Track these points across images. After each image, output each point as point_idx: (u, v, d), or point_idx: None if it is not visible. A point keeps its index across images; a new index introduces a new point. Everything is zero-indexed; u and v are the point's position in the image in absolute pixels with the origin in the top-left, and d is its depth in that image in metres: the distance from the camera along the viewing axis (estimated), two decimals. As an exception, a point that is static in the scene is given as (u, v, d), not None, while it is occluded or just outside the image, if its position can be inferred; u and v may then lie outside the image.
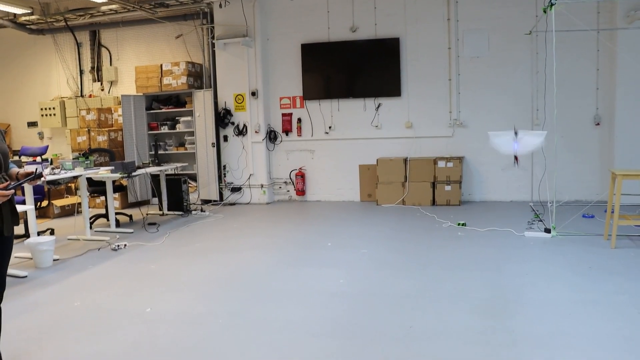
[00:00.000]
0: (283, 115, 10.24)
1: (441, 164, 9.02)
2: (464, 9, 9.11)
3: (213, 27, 10.24)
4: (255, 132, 10.11)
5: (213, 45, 10.27)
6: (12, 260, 6.35)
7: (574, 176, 8.84)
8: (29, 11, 10.60)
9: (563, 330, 3.85)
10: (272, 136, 10.27)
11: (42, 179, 3.41)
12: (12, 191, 3.22)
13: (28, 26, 11.35)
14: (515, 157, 8.04)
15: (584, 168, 8.87)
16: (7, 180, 3.33)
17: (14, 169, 3.49)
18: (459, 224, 7.46)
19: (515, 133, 6.93)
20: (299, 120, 10.15)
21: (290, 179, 10.32)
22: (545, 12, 6.73)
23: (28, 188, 6.65)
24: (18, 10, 10.49)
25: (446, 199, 9.02)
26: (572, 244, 6.22)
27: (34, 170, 3.39)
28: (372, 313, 4.36)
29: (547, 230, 6.68)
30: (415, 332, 3.93)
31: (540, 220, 7.41)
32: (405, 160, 9.27)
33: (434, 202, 9.09)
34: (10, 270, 5.92)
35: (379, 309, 4.45)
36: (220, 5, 9.92)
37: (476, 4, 9.05)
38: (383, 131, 9.73)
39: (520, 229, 6.99)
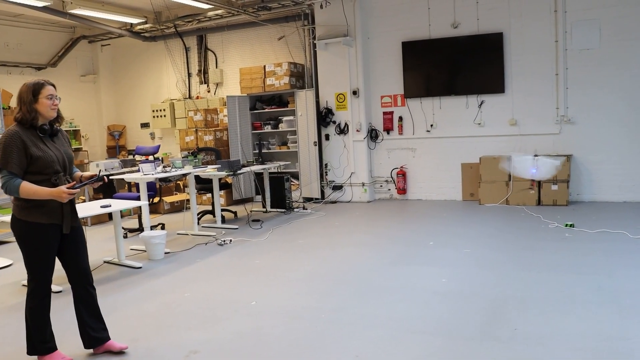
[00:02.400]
0: (384, 113, 10.22)
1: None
2: (573, -1, 8.70)
3: (314, 27, 10.39)
4: (357, 130, 10.15)
5: (314, 45, 10.41)
6: (128, 252, 6.80)
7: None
8: (143, 20, 11.26)
9: (685, 337, 3.59)
10: (373, 134, 10.27)
11: (105, 180, 3.76)
12: (78, 190, 3.54)
13: (142, 34, 12.04)
14: (532, 182, 7.63)
15: None
16: (69, 182, 3.62)
17: (77, 173, 3.83)
18: (566, 225, 7.11)
19: (536, 155, 6.60)
20: (400, 118, 10.09)
21: (392, 177, 10.28)
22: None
23: (143, 186, 7.06)
24: (134, 20, 11.21)
25: (552, 198, 8.65)
26: (695, 247, 5.79)
27: (97, 173, 3.73)
28: (474, 313, 4.27)
29: (667, 232, 6.26)
30: (520, 334, 3.81)
31: (659, 222, 6.95)
32: (509, 158, 8.98)
33: (539, 202, 8.74)
34: (126, 261, 6.34)
35: (482, 309, 4.35)
36: (321, 6, 10.05)
37: (587, -7, 8.61)
38: (486, 129, 9.47)
39: (635, 232, 6.55)
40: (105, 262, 6.43)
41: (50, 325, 3.69)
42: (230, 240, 7.31)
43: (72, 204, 3.67)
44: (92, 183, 3.70)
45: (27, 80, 3.58)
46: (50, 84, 3.59)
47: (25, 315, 3.63)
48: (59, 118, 3.66)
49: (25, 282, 5.67)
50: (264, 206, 9.63)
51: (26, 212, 3.49)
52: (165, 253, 6.75)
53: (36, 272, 3.57)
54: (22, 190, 3.39)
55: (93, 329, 3.80)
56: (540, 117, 9.05)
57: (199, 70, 12.35)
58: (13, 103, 10.88)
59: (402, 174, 10.09)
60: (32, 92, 3.50)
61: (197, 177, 8.60)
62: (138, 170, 7.85)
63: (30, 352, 3.66)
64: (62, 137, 3.74)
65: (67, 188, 3.45)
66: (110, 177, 8.14)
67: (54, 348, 3.69)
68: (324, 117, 10.30)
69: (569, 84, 8.83)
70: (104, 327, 3.86)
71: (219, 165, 8.36)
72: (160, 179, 7.65)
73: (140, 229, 7.98)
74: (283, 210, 9.43)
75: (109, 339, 3.86)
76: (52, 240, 3.58)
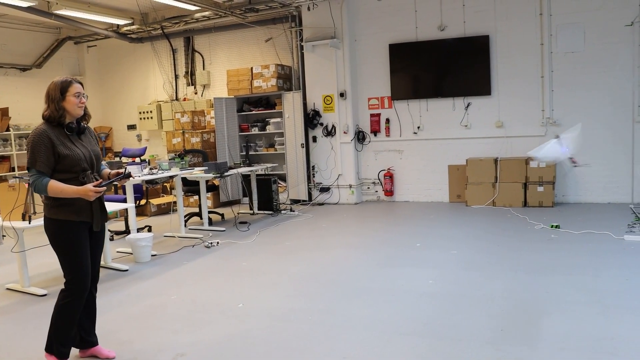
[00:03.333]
0: (371, 115, 10.24)
1: (533, 164, 8.71)
2: (558, 2, 8.73)
3: (301, 29, 10.40)
4: (344, 132, 10.17)
5: (301, 47, 10.42)
6: (114, 254, 6.77)
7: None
8: (130, 22, 11.21)
9: (668, 337, 3.63)
10: (360, 136, 10.29)
11: (131, 178, 3.77)
12: (104, 188, 3.54)
13: (129, 35, 11.97)
14: (572, 159, 7.60)
15: (691, 168, 8.30)
16: (97, 180, 3.61)
17: (106, 170, 3.80)
18: (552, 226, 7.18)
19: (557, 137, 6.56)
20: (387, 120, 10.12)
21: (379, 179, 10.31)
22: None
23: (129, 188, 7.02)
24: (121, 21, 11.15)
25: (538, 200, 8.71)
26: (678, 248, 5.85)
27: (124, 171, 3.70)
28: (461, 314, 4.29)
29: (650, 233, 6.33)
30: (507, 335, 3.83)
31: (643, 223, 7.02)
32: (496, 160, 9.04)
33: (525, 204, 8.80)
34: (112, 264, 6.30)
35: (469, 310, 4.37)
36: (309, 8, 10.06)
37: (571, -4, 8.69)
38: (472, 131, 9.53)
39: (620, 232, 6.63)
40: (91, 264, 6.38)
41: (74, 331, 3.65)
42: (218, 243, 7.29)
43: (101, 201, 3.68)
44: (119, 180, 3.67)
45: (54, 79, 3.58)
46: (78, 82, 3.59)
47: (53, 312, 3.58)
48: (85, 116, 3.65)
49: (10, 286, 5.64)
50: (251, 208, 9.61)
51: (56, 210, 3.49)
52: (152, 255, 6.72)
53: (73, 270, 3.53)
54: (50, 189, 3.39)
55: (86, 332, 3.79)
56: (526, 119, 9.12)
57: (186, 72, 12.31)
58: (-2, 104, 10.78)
59: (389, 176, 10.11)
60: (60, 90, 3.49)
61: (184, 179, 8.57)
62: (124, 172, 7.80)
63: (47, 349, 3.62)
64: (90, 135, 3.73)
65: (94, 186, 3.45)
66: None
67: (66, 355, 3.62)
68: (311, 119, 10.31)
69: (554, 86, 8.90)
70: (94, 331, 3.85)
71: (206, 167, 8.33)
72: (147, 181, 7.62)
73: (127, 231, 7.93)
74: (270, 212, 9.42)
75: (97, 344, 3.85)
76: (84, 238, 3.58)
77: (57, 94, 3.48)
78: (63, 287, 3.57)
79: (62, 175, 3.47)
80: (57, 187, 3.41)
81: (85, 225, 3.59)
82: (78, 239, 3.54)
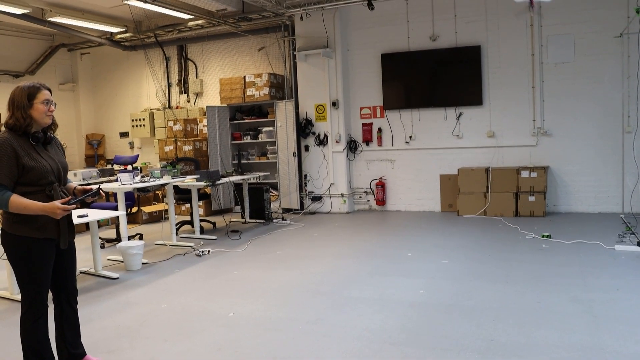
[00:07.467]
0: (363, 125, 10.27)
1: (524, 173, 8.76)
2: (548, 13, 8.82)
3: (294, 39, 10.43)
4: (336, 141, 10.19)
5: (294, 56, 10.45)
6: (105, 262, 6.74)
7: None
8: (124, 29, 11.23)
9: (656, 348, 3.65)
10: (352, 146, 10.32)
11: (101, 196, 3.51)
12: (74, 206, 3.27)
13: (122, 43, 11.98)
14: (531, 2, 7.47)
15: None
16: (65, 194, 3.40)
17: (71, 184, 3.57)
18: (543, 236, 7.20)
19: None
20: (380, 130, 10.15)
21: (371, 188, 10.32)
22: (638, 12, 6.44)
23: (120, 195, 7.00)
24: (114, 29, 11.17)
25: (530, 209, 8.75)
26: (668, 258, 5.88)
27: (92, 188, 3.47)
28: (452, 324, 4.30)
29: (640, 244, 6.35)
30: (497, 345, 3.84)
31: (633, 233, 7.02)
32: (487, 170, 9.07)
33: (516, 213, 8.84)
34: (103, 272, 6.28)
35: (459, 320, 4.38)
36: (301, 18, 10.10)
37: (561, 8, 8.74)
38: (464, 141, 9.57)
39: (610, 242, 6.66)
40: (81, 272, 6.35)
41: (50, 348, 3.45)
42: (209, 251, 7.27)
43: (68, 217, 3.40)
44: (89, 198, 3.41)
45: (20, 83, 3.33)
46: (47, 88, 3.35)
47: (20, 338, 3.36)
48: (52, 125, 3.41)
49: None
50: (242, 217, 9.60)
51: (18, 226, 3.22)
52: (143, 264, 6.70)
53: (30, 291, 3.28)
54: (11, 204, 3.11)
55: (73, 346, 3.66)
56: (517, 129, 9.18)
57: (179, 80, 12.32)
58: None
59: (381, 185, 10.13)
60: (27, 96, 3.25)
61: (176, 187, 8.56)
62: (116, 180, 7.80)
63: None
64: (56, 146, 3.49)
65: (62, 203, 3.19)
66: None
67: None
68: (303, 128, 10.32)
69: (545, 96, 8.97)
70: (81, 342, 3.75)
71: (198, 176, 8.32)
72: (139, 189, 7.60)
73: (118, 239, 7.90)
74: (262, 221, 9.41)
75: (86, 354, 3.76)
76: (47, 256, 3.31)
77: (24, 101, 3.23)
78: (21, 312, 3.33)
79: (26, 189, 3.20)
80: (20, 202, 3.13)
81: (51, 242, 3.33)
82: (41, 258, 3.28)
